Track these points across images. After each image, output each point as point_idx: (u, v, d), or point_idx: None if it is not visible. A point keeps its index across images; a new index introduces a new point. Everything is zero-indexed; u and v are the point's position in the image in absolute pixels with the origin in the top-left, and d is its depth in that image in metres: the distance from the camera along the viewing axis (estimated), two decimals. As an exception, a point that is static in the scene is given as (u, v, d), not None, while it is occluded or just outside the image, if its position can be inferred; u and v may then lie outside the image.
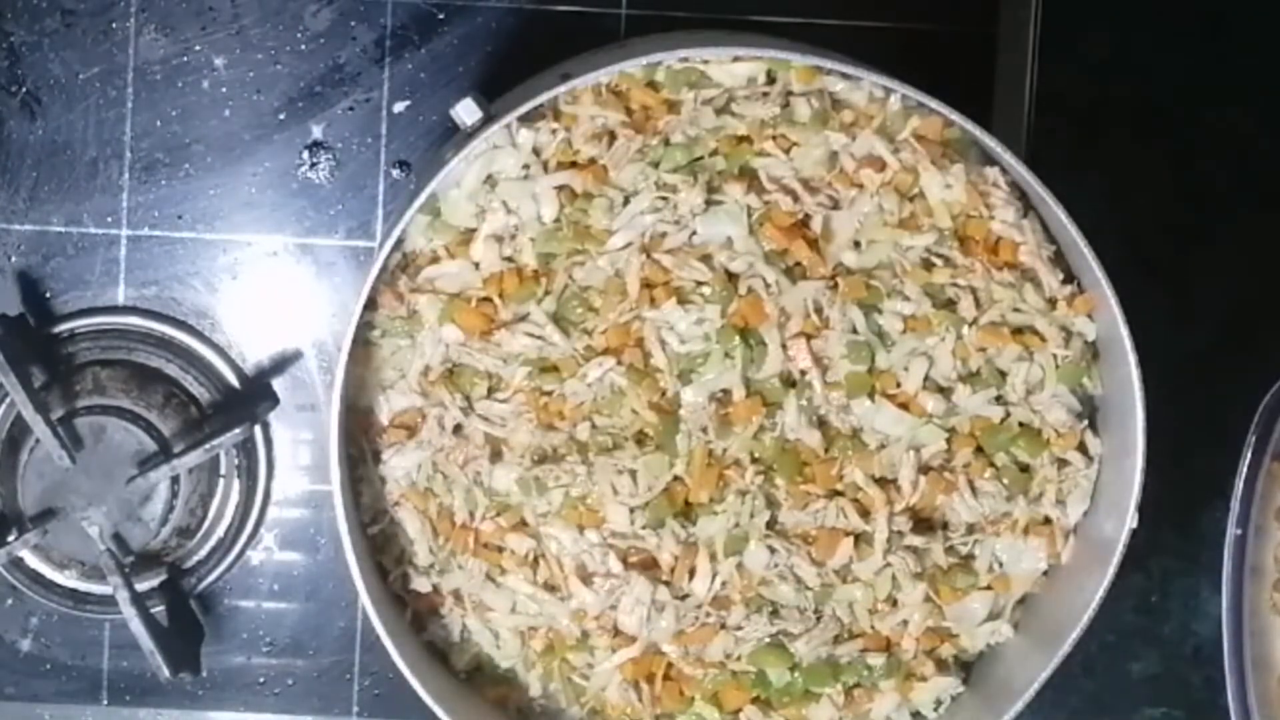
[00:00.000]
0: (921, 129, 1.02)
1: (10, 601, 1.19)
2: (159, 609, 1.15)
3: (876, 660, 1.05)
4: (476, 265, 1.03)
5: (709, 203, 1.02)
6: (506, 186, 1.03)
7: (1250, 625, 1.08)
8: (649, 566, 1.04)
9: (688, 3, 1.15)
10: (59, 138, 1.16)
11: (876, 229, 1.03)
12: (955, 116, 1.00)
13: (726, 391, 1.03)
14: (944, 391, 1.03)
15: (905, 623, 1.05)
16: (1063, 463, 1.05)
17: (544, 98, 1.00)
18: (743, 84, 1.03)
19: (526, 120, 1.02)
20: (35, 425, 1.09)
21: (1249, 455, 1.08)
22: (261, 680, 1.19)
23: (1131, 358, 0.99)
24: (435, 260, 1.04)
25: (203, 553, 1.17)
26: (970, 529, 1.05)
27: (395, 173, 1.17)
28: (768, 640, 1.04)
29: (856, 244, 1.03)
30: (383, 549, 1.06)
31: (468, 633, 1.07)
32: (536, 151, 1.03)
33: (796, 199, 1.02)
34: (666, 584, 1.04)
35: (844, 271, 1.03)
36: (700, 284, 1.02)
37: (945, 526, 1.05)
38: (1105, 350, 1.04)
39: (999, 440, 1.04)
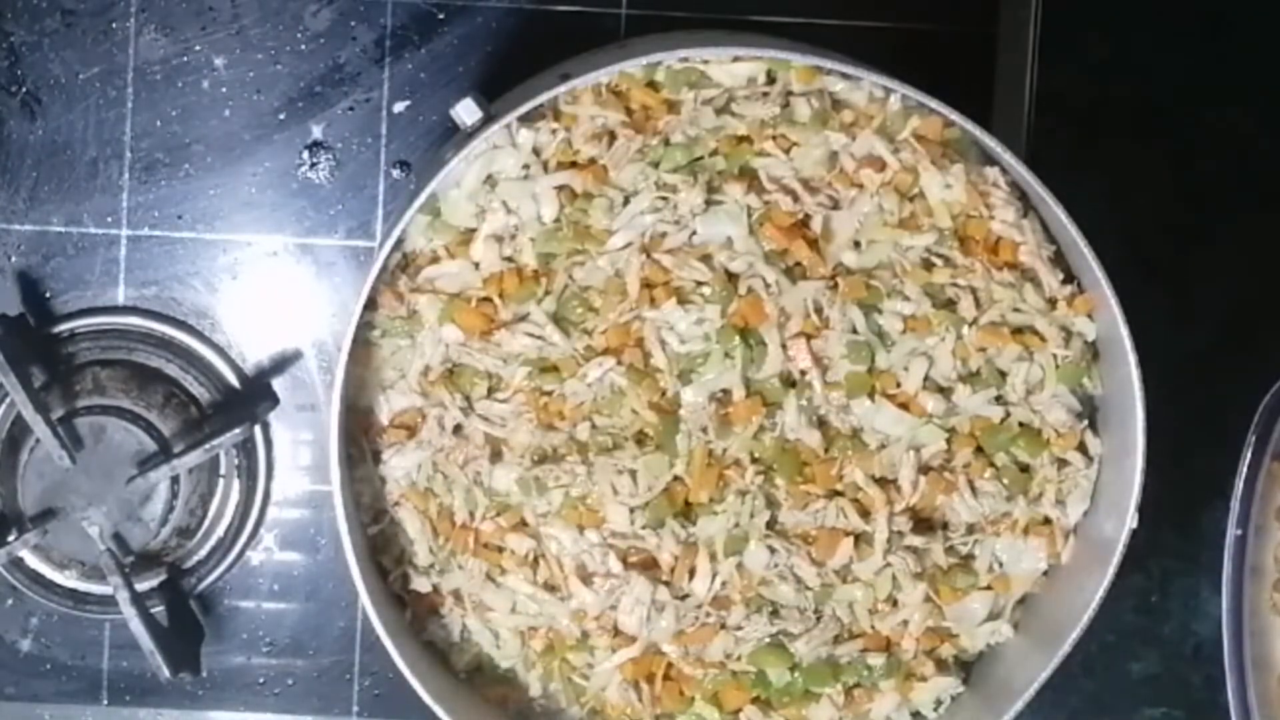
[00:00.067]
0: (921, 129, 1.02)
1: (10, 601, 1.19)
2: (159, 609, 1.15)
3: (876, 660, 1.05)
4: (476, 265, 1.03)
5: (709, 203, 1.02)
6: (506, 186, 1.03)
7: (1250, 625, 1.08)
8: (649, 566, 1.04)
9: (688, 3, 1.15)
10: (59, 138, 1.16)
11: (876, 229, 1.03)
12: (955, 116, 1.00)
13: (726, 391, 1.03)
14: (944, 391, 1.03)
15: (905, 623, 1.05)
16: (1063, 463, 1.05)
17: (544, 98, 1.00)
18: (743, 84, 1.03)
19: (526, 120, 1.02)
20: (35, 425, 1.09)
21: (1249, 455, 1.08)
22: (261, 680, 1.19)
23: (1131, 358, 0.99)
24: (435, 260, 1.04)
25: (203, 553, 1.17)
26: (970, 529, 1.05)
27: (395, 173, 1.17)
28: (768, 640, 1.04)
29: (856, 244, 1.03)
30: (383, 549, 1.06)
31: (468, 633, 1.07)
32: (536, 151, 1.03)
33: (796, 199, 1.02)
34: (666, 584, 1.04)
35: (844, 271, 1.03)
36: (700, 284, 1.02)
37: (945, 526, 1.05)
38: (1105, 350, 1.04)
39: (999, 440, 1.04)
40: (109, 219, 1.17)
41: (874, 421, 1.03)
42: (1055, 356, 1.04)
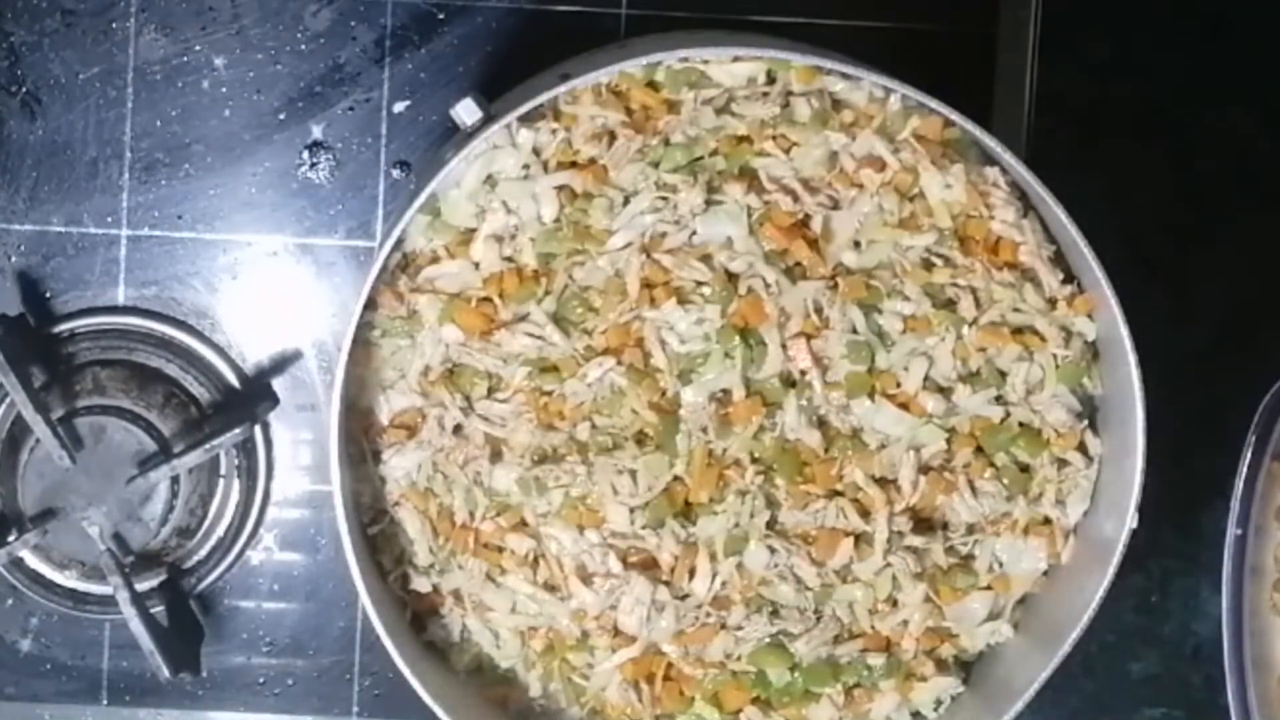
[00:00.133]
0: (921, 129, 1.02)
1: (10, 601, 1.19)
2: (159, 609, 1.15)
3: (876, 660, 1.05)
4: (476, 265, 1.03)
5: (709, 203, 1.02)
6: (506, 186, 1.03)
7: (1250, 625, 1.08)
8: (649, 566, 1.04)
9: (688, 3, 1.15)
10: (59, 138, 1.16)
11: (876, 229, 1.03)
12: (955, 116, 1.00)
13: (726, 391, 1.03)
14: (944, 391, 1.03)
15: (905, 623, 1.05)
16: (1063, 463, 1.05)
17: (544, 98, 1.00)
18: (743, 84, 1.03)
19: (526, 120, 1.02)
20: (35, 425, 1.09)
21: (1249, 455, 1.08)
22: (261, 680, 1.19)
23: (1131, 358, 0.99)
24: (435, 260, 1.04)
25: (203, 553, 1.17)
26: (970, 529, 1.05)
27: (395, 173, 1.17)
28: (768, 640, 1.04)
29: (856, 244, 1.03)
30: (383, 549, 1.06)
31: (468, 633, 1.07)
32: (536, 151, 1.03)
33: (796, 199, 1.02)
34: (666, 584, 1.04)
35: (844, 271, 1.03)
36: (700, 284, 1.02)
37: (945, 526, 1.05)
38: (1105, 350, 1.04)
39: (999, 440, 1.04)
40: (109, 219, 1.17)
41: (874, 421, 1.03)
42: (1055, 356, 1.04)
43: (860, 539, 1.04)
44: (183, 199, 1.17)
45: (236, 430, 1.10)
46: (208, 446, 1.10)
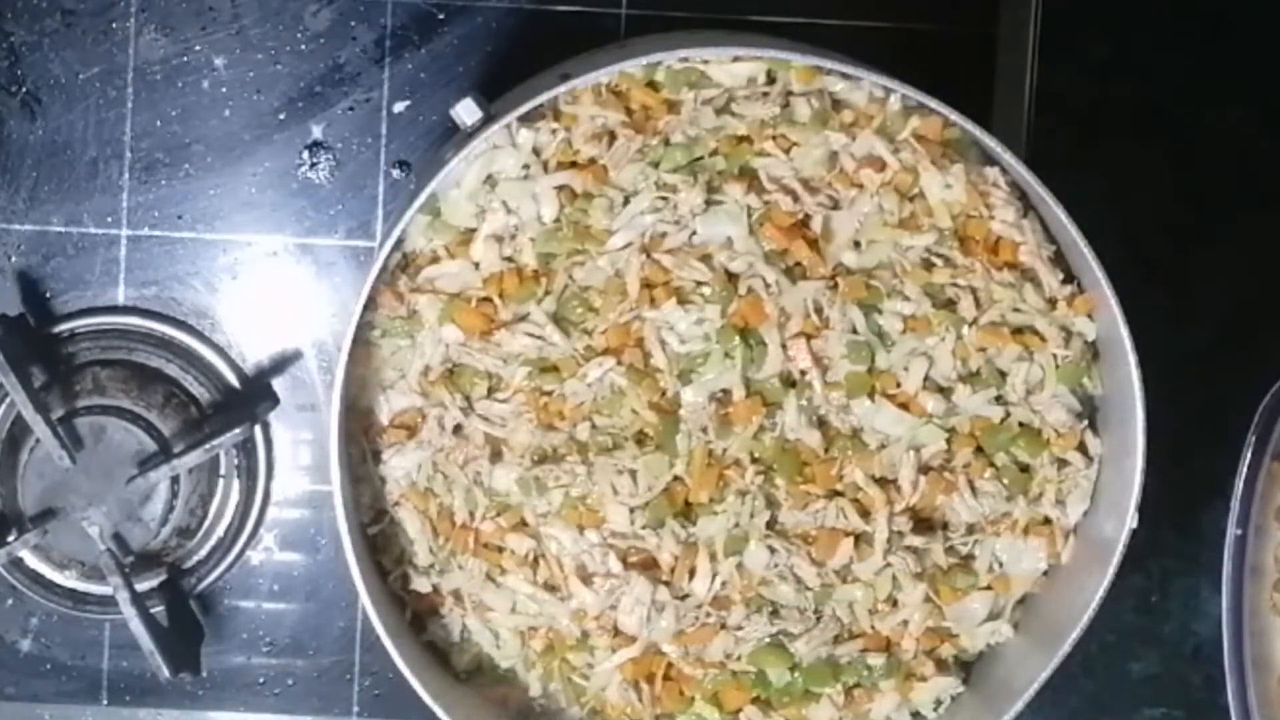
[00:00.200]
0: (921, 129, 1.02)
1: (10, 601, 1.19)
2: (159, 609, 1.15)
3: (876, 660, 1.05)
4: (476, 265, 1.03)
5: (709, 203, 1.02)
6: (506, 186, 1.03)
7: (1250, 625, 1.08)
8: (649, 566, 1.04)
9: (688, 3, 1.15)
10: (59, 138, 1.16)
11: (876, 229, 1.03)
12: (955, 116, 1.00)
13: (726, 391, 1.03)
14: (944, 391, 1.03)
15: (905, 623, 1.05)
16: (1063, 463, 1.05)
17: (544, 98, 1.00)
18: (743, 84, 1.03)
19: (526, 120, 1.02)
20: (35, 425, 1.09)
21: (1249, 455, 1.08)
22: (261, 680, 1.19)
23: (1131, 358, 0.99)
24: (435, 260, 1.04)
25: (203, 553, 1.17)
26: (970, 529, 1.05)
27: (395, 173, 1.17)
28: (768, 640, 1.04)
29: (856, 244, 1.03)
30: (383, 549, 1.06)
31: (468, 633, 1.07)
32: (536, 151, 1.03)
33: (796, 199, 1.02)
34: (666, 584, 1.04)
35: (844, 271, 1.03)
36: (700, 284, 1.02)
37: (945, 526, 1.05)
38: (1105, 350, 1.04)
39: (999, 440, 1.04)
40: (109, 219, 1.17)
41: (874, 421, 1.03)
42: (1055, 356, 1.04)
43: (860, 539, 1.04)
44: (183, 199, 1.17)
45: (236, 430, 1.10)
46: (208, 446, 1.10)
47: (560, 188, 1.02)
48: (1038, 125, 1.16)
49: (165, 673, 1.10)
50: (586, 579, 1.04)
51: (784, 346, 1.02)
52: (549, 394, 1.03)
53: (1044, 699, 1.02)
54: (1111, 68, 1.17)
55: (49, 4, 1.15)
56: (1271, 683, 1.10)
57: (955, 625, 1.06)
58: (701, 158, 1.03)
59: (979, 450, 1.04)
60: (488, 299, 1.03)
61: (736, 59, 1.03)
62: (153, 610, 1.13)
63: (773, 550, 1.03)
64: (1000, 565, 1.06)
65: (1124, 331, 1.00)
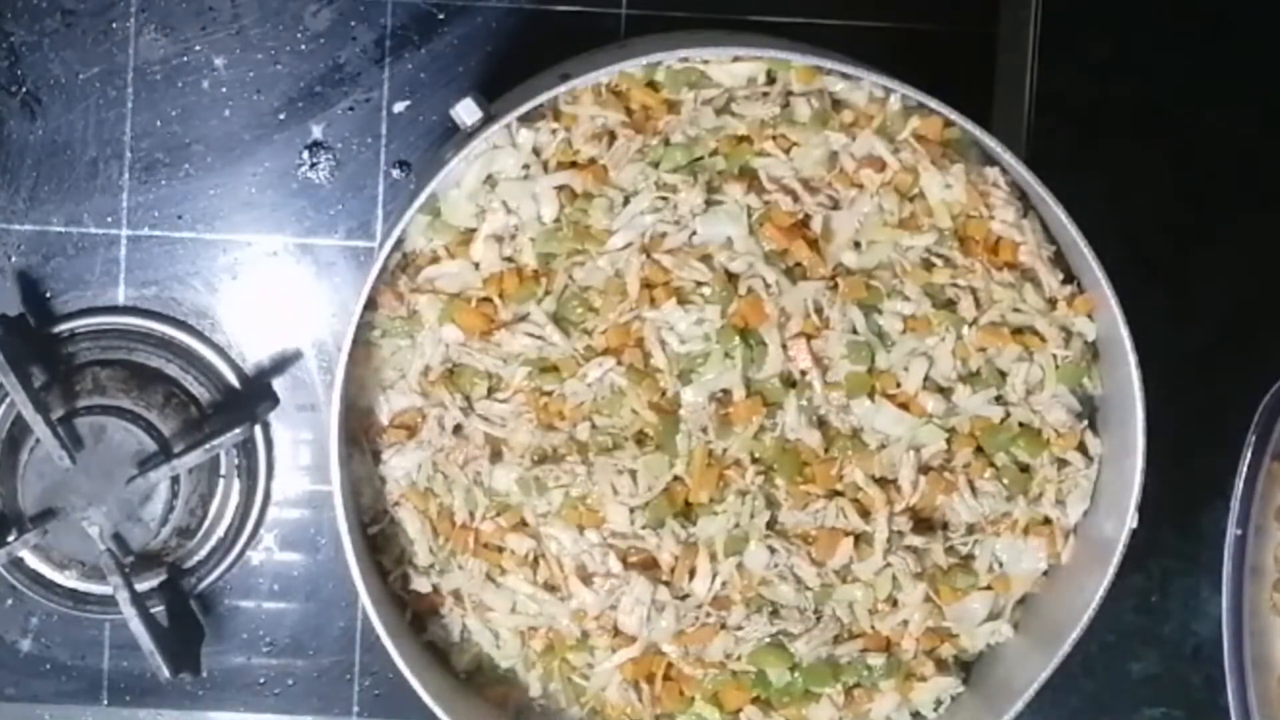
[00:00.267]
0: (921, 129, 1.02)
1: (10, 601, 1.19)
2: (159, 609, 1.15)
3: (876, 660, 1.05)
4: (476, 265, 1.03)
5: (709, 203, 1.02)
6: (506, 186, 1.03)
7: (1250, 625, 1.08)
8: (649, 566, 1.04)
9: (688, 3, 1.15)
10: (59, 138, 1.16)
11: (876, 229, 1.03)
12: (955, 116, 1.00)
13: (726, 391, 1.03)
14: (944, 391, 1.03)
15: (905, 623, 1.05)
16: (1063, 463, 1.05)
17: (544, 98, 1.00)
18: (743, 84, 1.03)
19: (526, 120, 1.02)
20: (35, 425, 1.09)
21: (1249, 455, 1.08)
22: (261, 680, 1.19)
23: (1131, 358, 0.99)
24: (435, 260, 1.04)
25: (203, 553, 1.17)
26: (970, 529, 1.05)
27: (395, 173, 1.17)
28: (768, 640, 1.04)
29: (856, 244, 1.03)
30: (383, 549, 1.06)
31: (468, 633, 1.07)
32: (536, 151, 1.03)
33: (796, 199, 1.02)
34: (666, 584, 1.04)
35: (844, 271, 1.03)
36: (700, 284, 1.02)
37: (945, 526, 1.05)
38: (1105, 350, 1.04)
39: (999, 440, 1.04)
40: (109, 219, 1.17)
41: (874, 421, 1.03)
42: (1055, 356, 1.04)
43: (860, 539, 1.04)
44: (183, 199, 1.17)
45: (236, 430, 1.10)
46: (208, 446, 1.10)
47: (560, 188, 1.02)
48: (1038, 125, 1.16)
49: (165, 673, 1.10)
50: (586, 579, 1.04)
51: (784, 346, 1.02)
52: (549, 394, 1.03)
53: (1044, 699, 1.02)
54: (1111, 68, 1.17)
55: (49, 4, 1.15)
56: (1271, 683, 1.10)
57: (955, 625, 1.06)
58: (701, 158, 1.03)
59: (979, 450, 1.04)
60: (488, 299, 1.03)
61: (736, 59, 1.03)
62: (153, 610, 1.13)
63: (773, 550, 1.03)
64: (1000, 565, 1.06)
65: (1124, 331, 1.00)
